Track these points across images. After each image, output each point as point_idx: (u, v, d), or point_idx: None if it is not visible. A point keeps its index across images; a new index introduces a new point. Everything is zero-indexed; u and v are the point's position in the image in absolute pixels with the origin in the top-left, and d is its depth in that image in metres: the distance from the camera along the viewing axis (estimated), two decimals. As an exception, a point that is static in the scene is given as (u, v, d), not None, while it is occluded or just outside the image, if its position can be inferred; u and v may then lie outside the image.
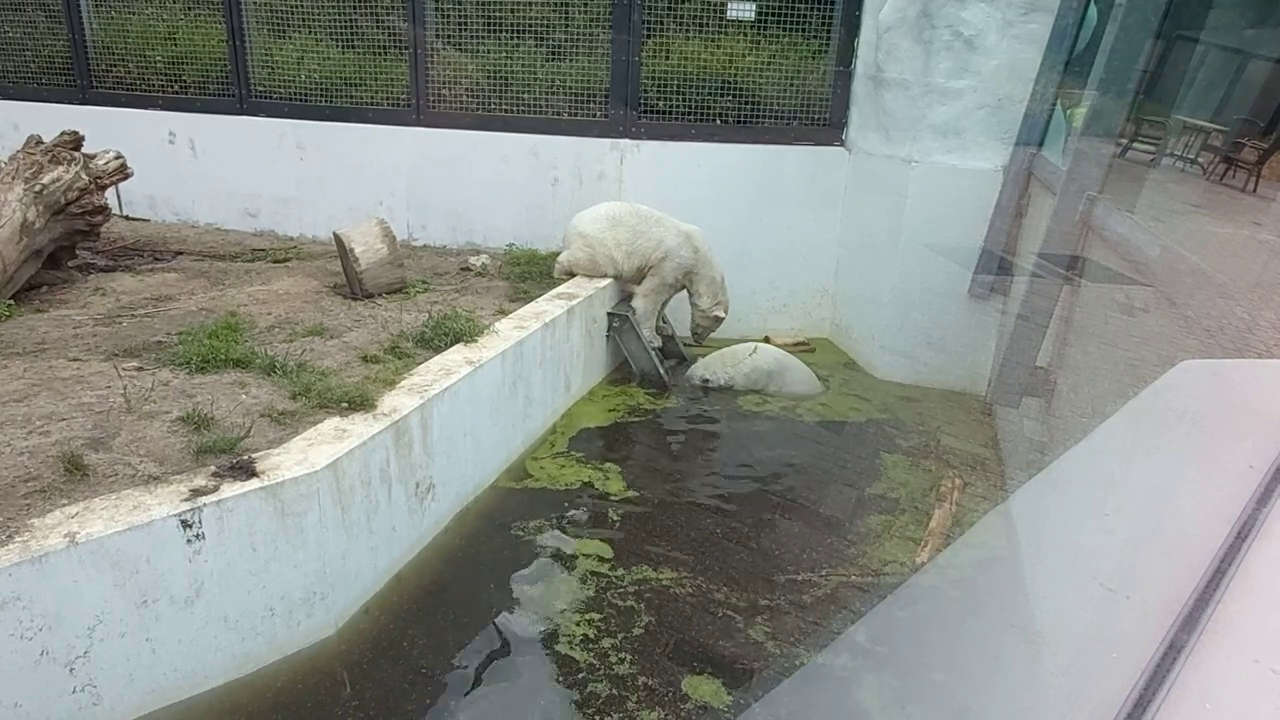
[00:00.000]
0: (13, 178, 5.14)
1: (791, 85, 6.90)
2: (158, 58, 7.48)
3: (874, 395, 6.35)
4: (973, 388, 6.42)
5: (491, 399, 4.58)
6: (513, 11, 6.85)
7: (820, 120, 7.01)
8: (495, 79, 7.03)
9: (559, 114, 7.02)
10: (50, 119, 6.44)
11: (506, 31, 6.92)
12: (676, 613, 3.73)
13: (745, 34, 6.87)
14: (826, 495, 4.84)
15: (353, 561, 3.54)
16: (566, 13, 6.87)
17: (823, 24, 6.83)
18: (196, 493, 3.00)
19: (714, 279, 6.37)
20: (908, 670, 3.39)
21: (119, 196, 7.76)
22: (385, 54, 7.17)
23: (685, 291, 6.45)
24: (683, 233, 6.21)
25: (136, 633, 2.87)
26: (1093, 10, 5.59)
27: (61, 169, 5.36)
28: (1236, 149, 7.19)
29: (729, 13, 6.82)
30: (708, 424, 5.76)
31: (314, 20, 7.21)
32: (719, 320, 6.51)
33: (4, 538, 2.66)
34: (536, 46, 6.96)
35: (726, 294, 6.47)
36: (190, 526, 2.93)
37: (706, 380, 6.26)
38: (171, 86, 7.55)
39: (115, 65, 7.62)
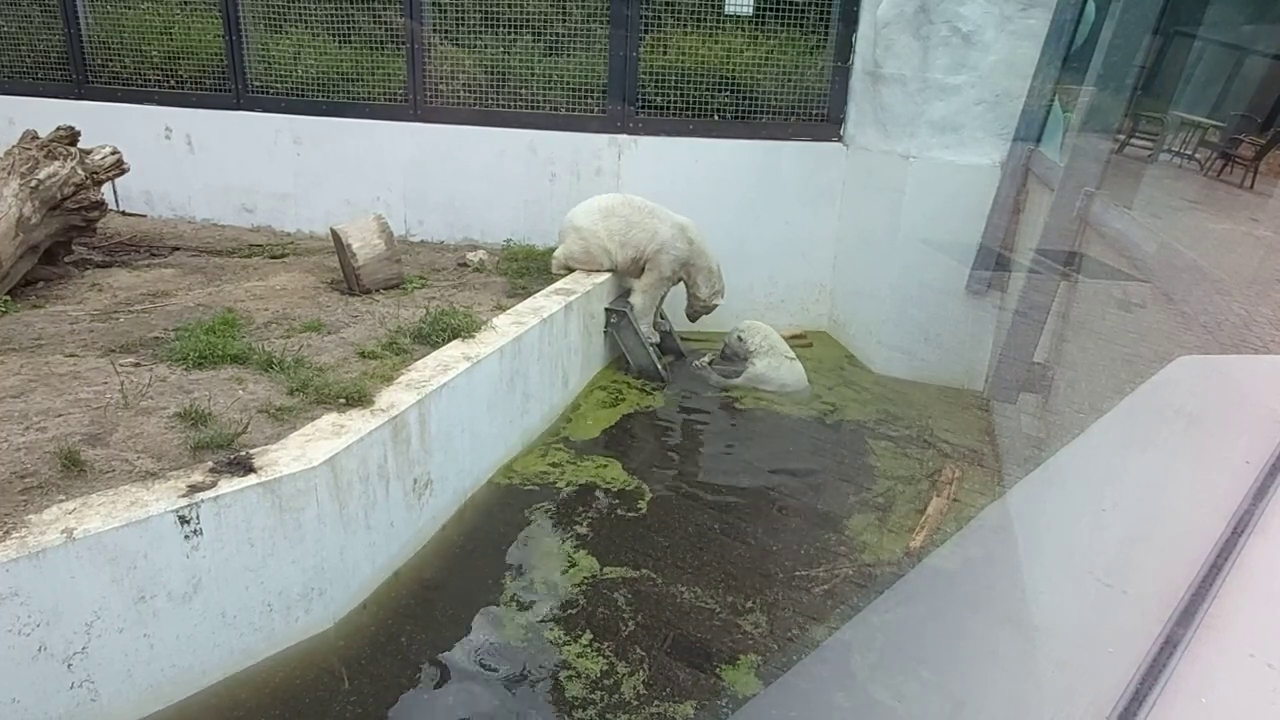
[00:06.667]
0: (8, 173, 5.12)
1: (789, 80, 6.89)
2: (154, 52, 7.45)
3: (871, 390, 6.36)
4: (970, 383, 6.43)
5: (489, 395, 4.58)
6: (510, 6, 6.83)
7: (818, 116, 7.00)
8: (493, 74, 7.01)
9: (557, 109, 7.01)
10: (46, 114, 6.40)
11: (504, 26, 6.90)
12: (675, 608, 3.74)
13: (743, 29, 6.85)
14: (824, 490, 4.84)
15: (351, 557, 3.54)
16: (564, 7, 6.85)
17: (821, 19, 6.82)
18: (194, 489, 3.00)
19: (710, 269, 6.38)
20: (905, 665, 3.40)
21: (115, 192, 7.74)
22: (382, 49, 7.15)
23: (683, 284, 6.46)
24: (677, 224, 6.20)
25: (134, 629, 2.87)
26: (1091, 6, 5.59)
27: (57, 164, 5.34)
28: (1234, 145, 7.20)
29: (727, 8, 6.80)
30: (705, 419, 5.76)
31: (311, 15, 7.18)
32: (716, 306, 6.59)
33: (1, 534, 2.66)
34: (534, 41, 6.94)
35: (723, 280, 6.51)
36: (188, 522, 2.92)
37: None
38: (168, 81, 7.52)
39: (111, 60, 7.59)
